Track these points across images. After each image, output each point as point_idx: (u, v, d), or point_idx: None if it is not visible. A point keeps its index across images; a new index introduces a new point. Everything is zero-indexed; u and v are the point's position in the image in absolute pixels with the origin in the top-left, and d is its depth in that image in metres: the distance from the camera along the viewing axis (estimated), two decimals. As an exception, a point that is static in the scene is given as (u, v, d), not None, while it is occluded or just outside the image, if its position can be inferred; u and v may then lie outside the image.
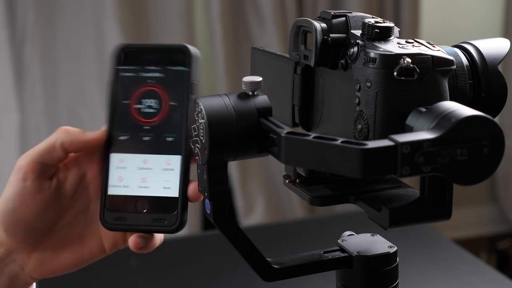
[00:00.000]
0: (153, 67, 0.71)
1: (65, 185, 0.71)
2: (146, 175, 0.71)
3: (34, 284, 0.75)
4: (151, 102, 0.71)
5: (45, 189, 0.70)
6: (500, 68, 0.72)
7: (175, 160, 0.70)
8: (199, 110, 0.67)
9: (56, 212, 0.71)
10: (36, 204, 0.69)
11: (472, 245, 2.44)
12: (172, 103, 0.70)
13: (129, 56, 0.72)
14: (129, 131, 0.71)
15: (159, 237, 0.73)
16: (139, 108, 0.71)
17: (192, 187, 0.70)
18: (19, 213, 0.69)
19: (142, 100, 0.71)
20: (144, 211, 0.70)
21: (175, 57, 0.71)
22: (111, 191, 0.71)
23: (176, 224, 0.70)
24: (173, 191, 0.70)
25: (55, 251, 0.72)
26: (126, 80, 0.72)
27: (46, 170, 0.70)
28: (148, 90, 0.71)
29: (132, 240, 0.70)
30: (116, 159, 0.71)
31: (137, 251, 0.71)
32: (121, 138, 0.71)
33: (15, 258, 0.71)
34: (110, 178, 0.72)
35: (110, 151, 0.72)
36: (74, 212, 0.72)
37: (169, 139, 0.70)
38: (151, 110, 0.71)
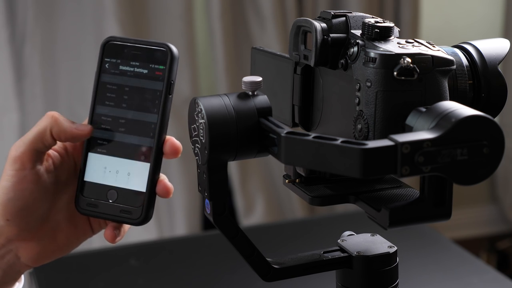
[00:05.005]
0: (134, 63, 0.72)
1: (60, 172, 0.74)
2: (120, 166, 0.72)
3: (23, 275, 0.77)
4: (127, 95, 0.72)
5: (42, 175, 0.72)
6: (500, 68, 0.72)
7: (147, 154, 0.72)
8: (199, 110, 0.67)
9: (52, 198, 0.73)
10: (35, 191, 0.71)
11: (472, 245, 2.44)
12: (148, 99, 0.71)
13: (114, 49, 0.73)
14: (108, 119, 0.73)
15: (127, 226, 0.75)
16: (117, 100, 0.73)
17: (161, 183, 0.72)
18: (20, 202, 0.71)
19: (120, 93, 0.73)
20: (113, 201, 0.73)
21: (157, 55, 0.72)
22: (87, 177, 0.74)
23: (140, 218, 0.72)
24: (141, 185, 0.72)
25: (52, 236, 0.74)
26: (108, 72, 0.73)
27: (40, 156, 0.72)
28: (126, 84, 0.72)
29: (108, 234, 0.73)
30: (95, 147, 0.73)
31: (113, 242, 0.74)
32: (100, 125, 0.73)
33: (11, 248, 0.73)
34: (88, 164, 0.74)
35: (90, 138, 0.74)
36: (67, 197, 0.75)
37: (143, 133, 0.72)
38: (127, 103, 0.72)
